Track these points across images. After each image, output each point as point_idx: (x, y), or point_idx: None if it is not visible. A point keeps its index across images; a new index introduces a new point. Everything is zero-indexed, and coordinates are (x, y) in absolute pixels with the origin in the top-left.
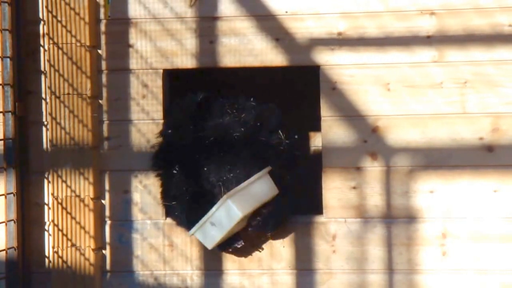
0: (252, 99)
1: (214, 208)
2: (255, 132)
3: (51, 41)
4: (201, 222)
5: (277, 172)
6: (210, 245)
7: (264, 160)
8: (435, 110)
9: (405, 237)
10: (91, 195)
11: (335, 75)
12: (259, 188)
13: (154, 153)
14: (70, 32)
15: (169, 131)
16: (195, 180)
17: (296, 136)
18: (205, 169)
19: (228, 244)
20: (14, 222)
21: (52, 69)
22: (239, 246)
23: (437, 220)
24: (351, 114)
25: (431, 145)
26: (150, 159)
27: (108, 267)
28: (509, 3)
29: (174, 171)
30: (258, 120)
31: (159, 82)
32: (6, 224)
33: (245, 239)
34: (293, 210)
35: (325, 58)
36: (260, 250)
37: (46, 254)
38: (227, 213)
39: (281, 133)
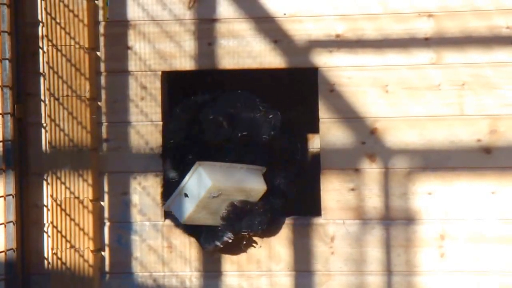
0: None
1: (187, 177)
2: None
3: (50, 43)
4: (174, 194)
5: (270, 172)
6: (182, 218)
7: (258, 162)
8: (433, 112)
9: (403, 239)
10: (90, 197)
11: (334, 77)
12: (243, 175)
13: (158, 154)
14: (69, 34)
15: (171, 133)
16: None
17: (290, 136)
18: None
19: (217, 238)
20: (13, 223)
21: (51, 71)
22: (230, 240)
23: (435, 222)
24: (349, 116)
25: (429, 147)
26: (149, 160)
27: (107, 268)
28: (507, 5)
29: (173, 174)
30: (251, 130)
31: (158, 84)
32: (5, 226)
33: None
34: (287, 211)
35: (323, 60)
36: (255, 245)
37: (45, 255)
38: (198, 182)
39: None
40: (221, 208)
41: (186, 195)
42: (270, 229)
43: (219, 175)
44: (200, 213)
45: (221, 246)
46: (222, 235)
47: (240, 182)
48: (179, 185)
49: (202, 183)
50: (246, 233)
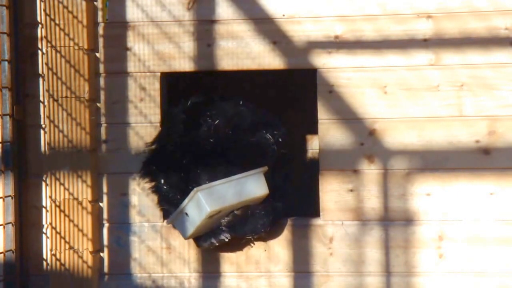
0: (241, 102)
1: (186, 200)
2: (228, 137)
3: (49, 44)
4: (177, 212)
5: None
6: (184, 236)
7: (251, 162)
8: (431, 113)
9: (402, 240)
10: (89, 198)
11: (332, 78)
12: (243, 185)
13: (145, 161)
14: (68, 35)
15: (159, 140)
16: (185, 188)
17: (278, 134)
18: (198, 172)
19: (214, 236)
20: (12, 225)
21: (50, 72)
22: (226, 240)
23: (434, 223)
24: (348, 117)
25: (428, 148)
26: (141, 166)
27: (106, 269)
28: (506, 6)
29: (162, 181)
30: (229, 125)
31: (157, 85)
32: (4, 227)
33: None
34: (285, 212)
35: (322, 61)
36: (252, 244)
37: (44, 256)
38: (197, 207)
39: (265, 132)
40: (223, 216)
41: (186, 214)
42: (272, 231)
43: (217, 197)
44: (202, 227)
45: (217, 244)
46: (220, 234)
47: (240, 196)
48: (180, 205)
49: (200, 209)
50: (250, 237)
